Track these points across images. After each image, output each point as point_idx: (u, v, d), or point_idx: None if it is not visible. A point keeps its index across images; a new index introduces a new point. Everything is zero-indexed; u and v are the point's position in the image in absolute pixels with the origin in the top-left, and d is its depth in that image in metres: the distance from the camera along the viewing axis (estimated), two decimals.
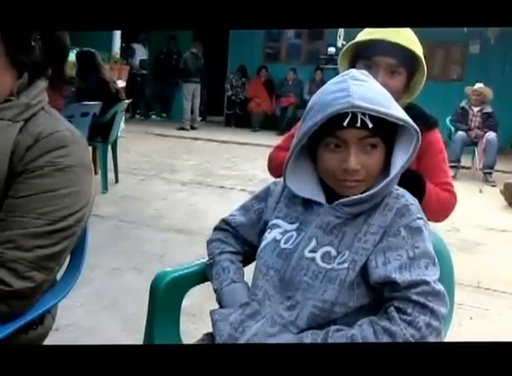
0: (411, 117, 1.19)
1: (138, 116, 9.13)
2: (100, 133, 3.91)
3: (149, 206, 3.69)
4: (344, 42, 6.61)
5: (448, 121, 5.93)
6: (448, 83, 8.11)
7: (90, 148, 3.79)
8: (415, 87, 1.31)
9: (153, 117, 9.28)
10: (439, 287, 0.86)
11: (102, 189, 3.87)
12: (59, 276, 1.03)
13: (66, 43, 0.98)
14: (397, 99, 1.23)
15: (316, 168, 0.96)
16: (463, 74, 8.16)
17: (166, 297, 1.07)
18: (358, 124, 0.86)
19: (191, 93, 8.18)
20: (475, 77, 6.50)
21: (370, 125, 0.86)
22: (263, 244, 0.99)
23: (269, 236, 0.99)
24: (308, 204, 0.98)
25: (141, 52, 8.87)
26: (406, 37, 1.22)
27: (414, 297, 0.83)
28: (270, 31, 9.19)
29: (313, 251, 0.92)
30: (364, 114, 0.86)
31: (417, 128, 0.89)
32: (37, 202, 0.88)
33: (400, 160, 0.92)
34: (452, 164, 5.63)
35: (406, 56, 1.23)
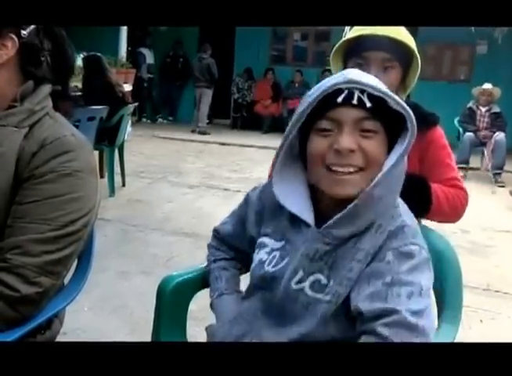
0: (419, 114, 1.18)
1: (144, 119, 9.17)
2: (107, 137, 3.93)
3: (156, 209, 3.69)
4: None
5: (456, 122, 5.89)
6: (456, 84, 8.07)
7: (97, 152, 3.84)
8: (410, 82, 1.26)
9: (160, 120, 9.32)
10: (416, 320, 0.70)
11: (109, 193, 3.88)
12: (66, 280, 1.03)
13: (72, 61, 1.01)
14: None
15: (308, 177, 0.84)
16: (471, 74, 8.11)
17: (172, 301, 1.07)
18: (355, 101, 0.76)
19: (197, 98, 8.20)
20: (483, 77, 6.46)
21: (368, 104, 0.76)
22: (252, 265, 0.91)
23: (257, 257, 0.90)
24: (294, 219, 0.86)
25: (148, 56, 8.91)
26: (397, 30, 1.17)
27: (379, 329, 0.70)
28: (276, 33, 9.20)
29: (300, 281, 0.82)
30: (362, 92, 0.76)
31: (414, 120, 0.78)
32: (43, 208, 0.88)
33: (390, 160, 0.78)
34: (461, 166, 5.59)
35: (398, 49, 1.17)
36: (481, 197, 4.76)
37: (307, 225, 0.84)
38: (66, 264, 0.92)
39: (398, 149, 0.78)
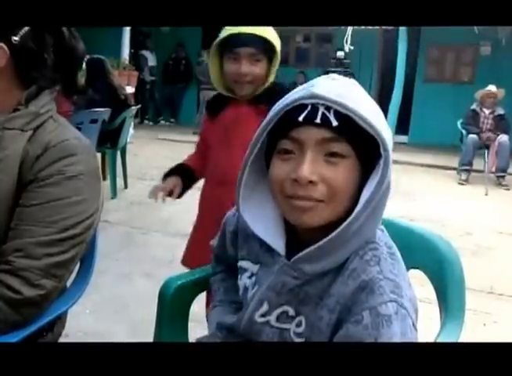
0: (271, 94, 1.36)
1: (147, 121, 9.19)
2: (109, 139, 3.94)
3: (158, 211, 3.69)
4: (352, 47, 6.60)
5: (459, 124, 5.88)
6: (459, 85, 8.06)
7: (99, 154, 3.85)
8: (272, 71, 1.45)
9: (162, 122, 9.34)
10: None
11: (112, 195, 3.89)
12: (69, 283, 1.03)
13: (79, 54, 0.99)
14: (262, 84, 1.43)
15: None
16: (474, 76, 8.10)
17: (174, 303, 1.07)
18: (318, 120, 0.65)
19: (202, 100, 8.22)
20: (486, 79, 6.45)
21: (334, 123, 0.65)
22: (240, 292, 0.85)
23: (241, 283, 0.83)
24: (264, 243, 0.76)
25: (149, 59, 8.94)
26: (263, 29, 1.37)
27: None
28: (278, 35, 9.22)
29: (265, 315, 0.76)
30: (328, 109, 0.65)
31: (388, 143, 0.66)
32: (46, 211, 0.88)
33: (368, 188, 0.67)
34: (464, 168, 5.58)
35: (264, 46, 1.39)
36: (484, 200, 4.75)
37: (277, 254, 0.75)
38: (68, 267, 0.92)
39: (375, 176, 0.67)
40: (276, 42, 1.41)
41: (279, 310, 0.75)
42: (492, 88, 5.75)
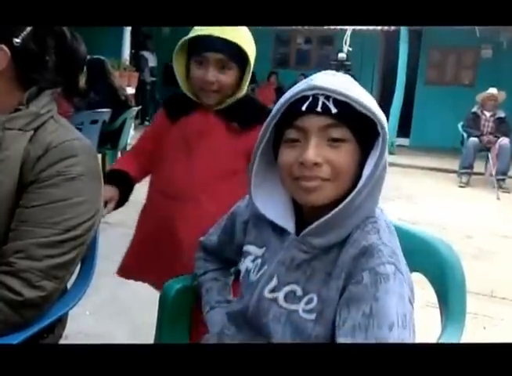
0: (243, 108, 1.24)
1: (147, 122, 9.18)
2: (110, 140, 3.94)
3: None
4: (350, 48, 6.60)
5: (460, 126, 5.88)
6: (460, 88, 8.06)
7: (99, 155, 3.84)
8: (245, 81, 1.27)
9: None
10: None
11: None
12: (69, 284, 1.03)
13: (81, 56, 0.99)
14: (230, 95, 1.25)
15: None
16: (475, 78, 8.10)
17: (175, 306, 1.07)
18: (319, 109, 0.73)
19: None
20: (487, 82, 6.45)
21: (334, 110, 0.73)
22: (240, 275, 0.89)
23: (243, 266, 0.88)
24: (276, 227, 0.84)
25: (150, 60, 8.95)
26: (235, 32, 1.19)
27: None
28: (279, 37, 9.23)
29: (274, 291, 0.80)
30: (328, 98, 0.73)
31: (384, 124, 0.74)
32: (47, 212, 0.88)
33: (368, 166, 0.75)
34: (465, 171, 5.58)
35: (235, 52, 1.20)
36: (485, 203, 4.75)
37: (288, 232, 0.82)
38: (69, 268, 0.92)
39: (373, 156, 0.75)
40: (250, 49, 1.23)
41: (287, 288, 0.79)
42: (493, 91, 5.75)
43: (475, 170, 5.63)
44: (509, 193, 5.18)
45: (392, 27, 7.61)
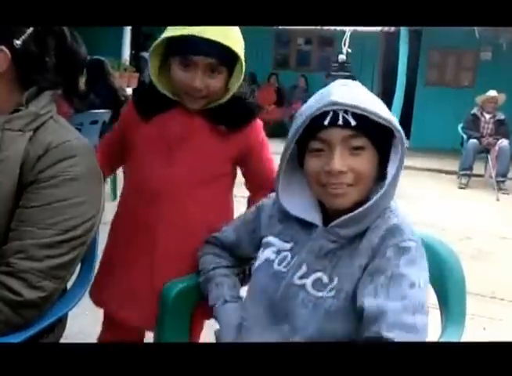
0: (230, 109, 1.13)
1: None
2: None
3: None
4: (350, 50, 6.60)
5: (459, 128, 5.88)
6: (460, 90, 8.07)
7: None
8: (233, 84, 1.15)
9: None
10: (414, 319, 0.74)
11: (111, 197, 3.88)
12: (69, 284, 1.03)
13: (81, 58, 0.99)
14: (218, 99, 1.13)
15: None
16: (475, 80, 8.11)
17: (175, 307, 1.07)
18: (340, 122, 0.82)
19: None
20: (487, 83, 6.46)
21: (353, 123, 0.81)
22: (256, 263, 0.95)
23: (262, 255, 0.94)
24: (303, 221, 0.92)
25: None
26: (226, 33, 1.07)
27: (385, 333, 0.73)
28: (280, 38, 9.23)
29: (303, 277, 0.87)
30: (346, 112, 0.82)
31: (400, 129, 0.84)
32: (47, 212, 0.88)
33: (391, 169, 0.85)
34: (465, 173, 5.59)
35: (226, 54, 1.08)
36: (484, 204, 4.75)
37: (315, 226, 0.90)
38: (69, 268, 0.92)
39: (394, 158, 0.85)
40: (241, 50, 1.11)
41: (315, 275, 0.86)
42: (492, 93, 5.76)
43: (475, 171, 5.64)
44: (508, 194, 5.18)
45: (392, 28, 7.61)
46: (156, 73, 1.13)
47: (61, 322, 1.05)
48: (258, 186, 1.24)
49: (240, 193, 1.33)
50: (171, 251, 1.14)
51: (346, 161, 0.83)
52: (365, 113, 0.81)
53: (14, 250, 0.87)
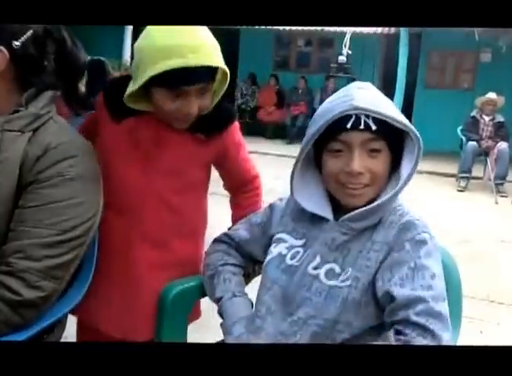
0: (209, 117, 1.07)
1: None
2: None
3: None
4: (350, 51, 6.60)
5: (459, 130, 5.89)
6: (459, 92, 8.07)
7: None
8: (219, 94, 1.11)
9: None
10: (440, 307, 0.81)
11: None
12: (69, 285, 1.03)
13: (80, 63, 1.00)
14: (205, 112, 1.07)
15: (323, 179, 0.95)
16: (474, 82, 8.11)
17: (173, 309, 1.08)
18: (362, 126, 0.85)
19: None
20: (486, 86, 6.46)
21: (374, 127, 0.85)
22: (268, 258, 0.98)
23: (275, 250, 0.98)
24: (315, 219, 0.96)
25: None
26: (210, 53, 1.00)
27: (414, 318, 0.79)
28: (280, 39, 9.23)
29: (317, 267, 0.91)
30: (367, 117, 0.85)
31: (417, 133, 0.88)
32: (46, 212, 0.88)
33: (406, 169, 0.90)
34: (464, 175, 5.59)
35: (213, 71, 1.04)
36: (483, 207, 4.75)
37: (326, 220, 0.94)
38: (68, 268, 0.92)
39: (409, 160, 0.90)
40: (221, 59, 1.03)
41: (327, 266, 0.90)
42: (492, 95, 5.76)
43: (474, 174, 5.64)
44: (507, 197, 5.18)
45: (392, 30, 7.62)
46: (131, 98, 1.05)
47: (61, 322, 1.05)
48: (236, 186, 1.25)
49: (220, 192, 1.31)
50: (148, 261, 1.11)
51: (364, 163, 0.87)
52: (386, 119, 0.86)
53: (13, 250, 0.87)
